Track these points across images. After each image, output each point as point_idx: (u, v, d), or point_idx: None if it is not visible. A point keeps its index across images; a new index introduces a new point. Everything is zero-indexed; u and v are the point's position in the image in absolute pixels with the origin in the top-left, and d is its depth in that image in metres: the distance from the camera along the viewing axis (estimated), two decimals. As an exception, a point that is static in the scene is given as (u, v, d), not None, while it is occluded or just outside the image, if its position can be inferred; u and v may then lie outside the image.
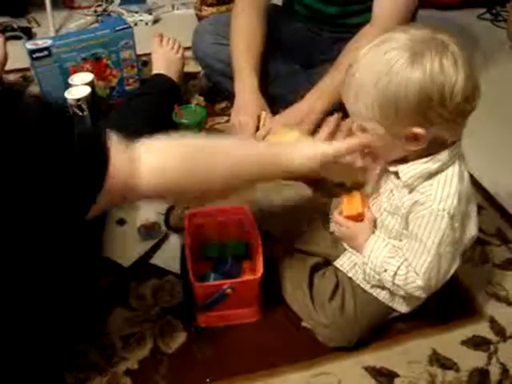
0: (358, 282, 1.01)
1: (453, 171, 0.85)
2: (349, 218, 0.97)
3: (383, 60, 0.77)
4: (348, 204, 0.98)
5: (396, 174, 0.88)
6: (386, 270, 0.91)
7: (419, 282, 0.88)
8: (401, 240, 0.92)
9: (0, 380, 0.82)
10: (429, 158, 0.84)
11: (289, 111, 1.41)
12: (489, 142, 1.56)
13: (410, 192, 0.87)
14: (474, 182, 1.39)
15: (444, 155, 0.84)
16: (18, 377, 0.86)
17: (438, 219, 0.83)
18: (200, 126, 1.48)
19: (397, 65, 0.76)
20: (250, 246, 1.10)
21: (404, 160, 0.87)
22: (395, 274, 0.90)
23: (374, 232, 0.96)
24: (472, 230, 0.91)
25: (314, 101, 1.38)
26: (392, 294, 0.99)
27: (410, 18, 1.39)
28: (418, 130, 0.79)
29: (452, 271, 0.91)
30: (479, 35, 2.19)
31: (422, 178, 0.85)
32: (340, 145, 0.92)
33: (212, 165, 0.84)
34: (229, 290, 0.96)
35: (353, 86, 0.81)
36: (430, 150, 0.83)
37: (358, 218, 0.96)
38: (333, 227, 1.04)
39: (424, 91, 0.75)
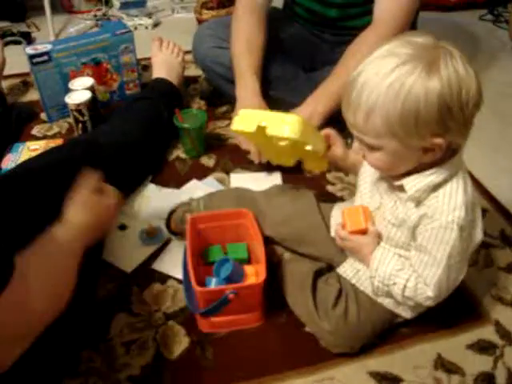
0: (361, 288, 1.01)
1: (457, 182, 0.83)
2: (353, 232, 0.96)
3: (396, 74, 0.74)
4: (350, 219, 0.96)
5: (400, 187, 0.87)
6: (394, 284, 0.90)
7: (429, 293, 0.87)
8: (408, 250, 0.91)
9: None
10: (433, 170, 0.82)
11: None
12: (492, 143, 1.56)
13: (417, 205, 0.85)
14: (478, 184, 1.39)
15: (448, 166, 0.83)
16: (21, 381, 0.85)
17: (448, 232, 0.82)
18: (201, 130, 1.47)
19: (412, 77, 0.74)
20: (252, 250, 1.10)
21: (407, 173, 0.86)
22: (405, 286, 0.89)
23: (379, 243, 0.94)
24: (478, 236, 0.90)
25: (314, 106, 1.37)
26: (396, 300, 0.98)
27: (410, 22, 1.38)
28: (438, 141, 0.77)
29: (460, 279, 0.90)
30: (481, 36, 2.19)
31: (427, 191, 0.83)
32: None
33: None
34: (231, 295, 0.95)
35: (362, 105, 0.77)
36: (437, 159, 0.82)
37: (362, 232, 0.96)
38: (336, 239, 1.02)
39: (443, 100, 0.74)
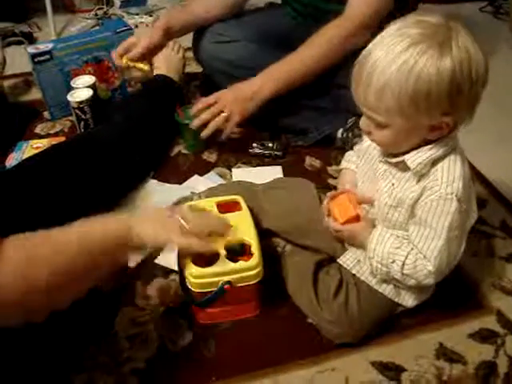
0: (362, 278, 1.01)
1: (455, 157, 0.86)
2: (346, 223, 0.97)
3: (408, 54, 0.75)
4: (339, 210, 0.98)
5: (400, 165, 0.88)
6: (393, 261, 0.91)
7: (430, 268, 0.88)
8: (406, 230, 0.92)
9: (9, 381, 0.83)
10: (433, 145, 0.84)
11: (240, 85, 1.39)
12: (492, 134, 1.56)
13: (418, 181, 0.87)
14: (479, 175, 1.39)
15: (446, 142, 0.85)
16: (27, 378, 0.86)
17: (447, 203, 0.84)
18: (202, 126, 1.48)
19: (425, 56, 0.75)
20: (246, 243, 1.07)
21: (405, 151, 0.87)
22: (403, 263, 0.89)
23: (374, 225, 0.96)
24: (474, 214, 0.92)
25: (260, 85, 1.37)
26: (397, 288, 0.99)
27: (378, 22, 1.34)
28: (447, 119, 0.79)
29: (459, 255, 0.91)
30: (481, 28, 2.17)
31: (428, 166, 0.85)
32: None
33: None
34: (227, 286, 0.95)
35: (374, 83, 0.78)
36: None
37: (355, 219, 0.97)
38: (331, 232, 1.03)
39: (455, 79, 0.75)
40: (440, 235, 0.86)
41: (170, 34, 1.55)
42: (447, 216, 0.85)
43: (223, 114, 1.37)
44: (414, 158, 0.85)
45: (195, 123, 1.39)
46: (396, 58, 0.76)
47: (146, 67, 1.52)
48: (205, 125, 1.39)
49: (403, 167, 0.89)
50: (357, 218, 0.96)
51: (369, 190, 0.98)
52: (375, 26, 1.33)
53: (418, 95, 0.77)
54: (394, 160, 0.89)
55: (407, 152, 0.87)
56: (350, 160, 1.09)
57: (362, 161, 1.01)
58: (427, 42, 0.75)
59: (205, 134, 1.40)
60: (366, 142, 0.99)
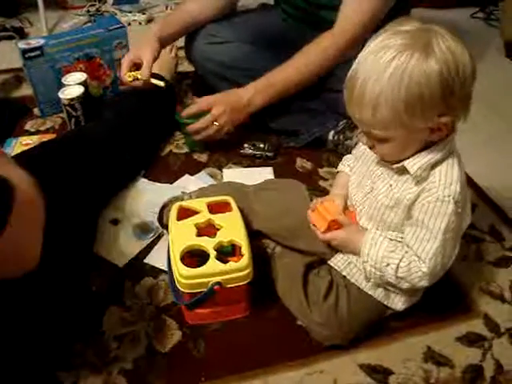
0: (352, 280, 1.01)
1: (453, 160, 0.87)
2: (327, 231, 0.98)
3: (394, 64, 0.77)
4: (317, 221, 1.00)
5: (400, 169, 0.89)
6: (388, 265, 0.91)
7: (424, 269, 0.88)
8: (401, 231, 0.93)
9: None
10: (432, 149, 0.86)
11: (234, 94, 1.41)
12: (481, 139, 1.57)
13: (417, 183, 0.88)
14: (468, 179, 1.40)
15: (443, 145, 0.86)
16: (13, 376, 0.85)
17: (444, 205, 0.85)
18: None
19: (411, 63, 0.76)
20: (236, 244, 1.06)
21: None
22: (397, 266, 0.90)
23: (362, 228, 0.97)
24: (468, 218, 0.93)
25: (253, 93, 1.39)
26: (387, 291, 0.99)
27: (367, 35, 1.35)
28: (445, 119, 0.80)
29: (453, 258, 0.92)
30: (472, 34, 2.19)
31: (427, 169, 0.86)
32: None
33: None
34: (217, 287, 0.95)
35: (367, 100, 0.80)
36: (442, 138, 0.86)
37: (334, 225, 0.98)
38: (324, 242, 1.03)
39: (444, 78, 0.77)
40: (436, 237, 0.87)
41: (165, 41, 1.56)
42: (444, 218, 0.85)
43: (215, 125, 1.40)
44: (414, 163, 0.86)
45: (190, 128, 1.42)
46: (383, 70, 0.78)
47: (161, 83, 1.50)
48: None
49: (402, 170, 0.90)
50: (335, 224, 0.98)
51: (358, 192, 1.00)
52: (368, 34, 1.33)
53: (411, 100, 0.78)
54: (395, 166, 0.90)
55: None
56: (345, 163, 1.10)
57: (359, 162, 1.02)
58: (411, 49, 0.77)
59: (197, 138, 1.44)
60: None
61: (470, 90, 0.81)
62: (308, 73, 1.38)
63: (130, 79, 1.47)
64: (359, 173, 1.02)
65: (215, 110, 1.39)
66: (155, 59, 1.49)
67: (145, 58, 1.47)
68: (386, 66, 0.78)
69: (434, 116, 0.80)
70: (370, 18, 1.32)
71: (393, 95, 0.78)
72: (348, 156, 1.11)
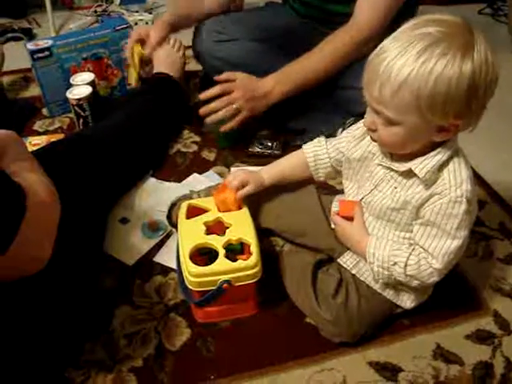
0: (362, 278, 1.01)
1: (458, 158, 0.86)
2: (344, 218, 0.99)
3: (430, 52, 0.75)
4: (343, 206, 1.01)
5: (406, 173, 0.88)
6: (395, 264, 0.91)
7: (436, 266, 0.88)
8: (409, 231, 0.92)
9: (5, 377, 0.83)
10: (438, 150, 0.85)
11: (253, 82, 1.41)
12: (491, 137, 1.56)
13: (426, 185, 0.87)
14: (478, 178, 1.40)
15: (450, 145, 0.85)
16: (23, 374, 0.86)
17: (457, 206, 0.84)
18: (223, 122, 1.48)
19: (447, 57, 0.74)
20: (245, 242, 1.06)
21: (405, 156, 0.87)
22: (406, 264, 0.90)
23: (368, 233, 0.97)
24: (476, 211, 0.92)
25: (274, 84, 1.39)
26: (397, 290, 0.99)
27: (383, 30, 1.34)
28: (458, 121, 0.80)
29: (462, 253, 0.91)
30: (480, 30, 2.19)
31: (436, 171, 0.85)
32: None
33: None
34: (226, 285, 0.95)
35: (392, 79, 0.77)
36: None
37: (351, 219, 0.99)
38: (333, 225, 1.05)
39: (473, 82, 0.75)
40: (448, 235, 0.86)
41: (177, 24, 1.60)
42: (456, 217, 0.85)
43: (234, 106, 1.39)
44: (422, 166, 0.85)
45: (203, 110, 1.41)
46: (417, 55, 0.75)
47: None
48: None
49: (408, 173, 0.88)
50: (351, 219, 0.99)
51: (358, 194, 1.00)
52: (384, 29, 1.33)
53: (436, 95, 0.76)
54: (402, 169, 0.88)
55: (408, 157, 0.87)
56: (312, 148, 1.09)
57: (357, 164, 1.00)
58: (448, 42, 0.75)
59: (210, 119, 1.42)
60: (361, 142, 0.99)
61: (488, 98, 0.80)
62: (326, 67, 1.38)
63: (130, 54, 1.56)
64: (358, 174, 1.00)
65: (235, 93, 1.38)
66: (162, 40, 1.53)
67: (152, 36, 1.52)
68: (421, 52, 0.75)
69: (451, 115, 0.78)
70: (386, 14, 1.32)
71: (419, 85, 0.75)
72: (336, 142, 1.07)
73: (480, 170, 1.41)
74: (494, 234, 1.25)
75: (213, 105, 1.40)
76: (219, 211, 1.06)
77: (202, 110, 1.41)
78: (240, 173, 1.09)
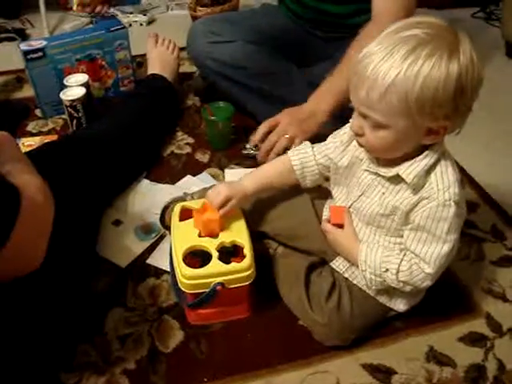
0: (354, 282, 1.01)
1: (445, 161, 0.86)
2: (336, 225, 0.99)
3: (417, 53, 0.75)
4: (336, 211, 1.01)
5: (393, 178, 0.88)
6: (387, 270, 0.91)
7: (428, 270, 0.88)
8: (400, 236, 0.92)
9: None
10: (425, 154, 0.84)
11: (294, 108, 1.37)
12: (483, 139, 1.57)
13: (413, 190, 0.86)
14: (470, 179, 1.41)
15: (437, 148, 0.85)
16: (15, 376, 0.86)
17: (446, 209, 0.84)
18: (229, 122, 1.48)
19: (434, 58, 0.74)
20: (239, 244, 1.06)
21: (392, 161, 0.87)
22: (397, 271, 0.90)
23: (359, 240, 0.98)
24: (464, 213, 0.92)
25: (317, 103, 1.35)
26: (389, 293, 0.99)
27: (411, 15, 1.36)
28: (446, 123, 0.80)
29: (453, 256, 0.91)
30: (473, 34, 2.18)
31: (424, 176, 0.85)
32: None
33: None
34: (219, 287, 0.95)
35: (379, 82, 0.77)
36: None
37: (342, 227, 0.99)
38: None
39: (460, 83, 0.76)
40: (438, 239, 0.86)
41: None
42: (445, 221, 0.85)
43: (286, 136, 1.33)
44: (409, 171, 0.85)
45: (262, 154, 1.35)
46: (404, 57, 0.75)
47: None
48: None
49: (395, 179, 0.88)
50: (341, 226, 0.99)
51: (346, 200, 1.00)
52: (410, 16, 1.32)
53: (424, 96, 0.76)
54: (390, 174, 0.88)
55: (395, 162, 0.87)
56: (299, 155, 1.06)
57: (344, 170, 0.99)
58: (435, 43, 0.75)
59: (271, 157, 1.32)
60: (348, 147, 0.98)
61: (474, 99, 0.80)
62: None
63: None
64: (347, 180, 0.99)
65: (282, 122, 1.34)
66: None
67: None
68: (407, 53, 0.75)
69: (440, 116, 0.78)
70: (405, 4, 1.31)
71: (407, 85, 0.75)
72: (324, 148, 1.05)
73: (472, 173, 1.42)
74: (486, 236, 1.26)
75: (267, 142, 1.35)
76: (200, 236, 1.01)
77: (262, 155, 1.36)
78: (221, 189, 1.03)
